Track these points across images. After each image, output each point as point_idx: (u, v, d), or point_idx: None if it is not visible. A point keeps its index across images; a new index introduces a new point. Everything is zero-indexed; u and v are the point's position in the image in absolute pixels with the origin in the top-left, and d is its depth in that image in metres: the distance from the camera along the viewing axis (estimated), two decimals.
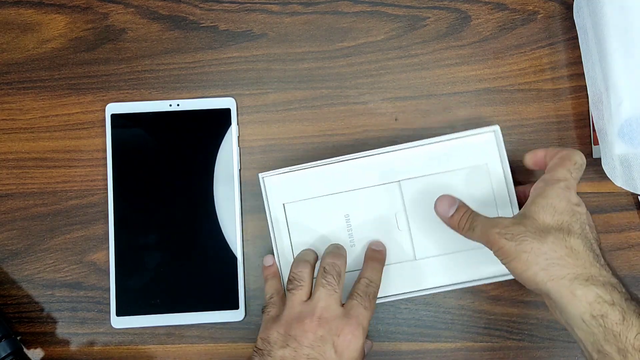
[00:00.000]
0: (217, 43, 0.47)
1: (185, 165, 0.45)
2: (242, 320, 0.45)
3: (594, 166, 0.46)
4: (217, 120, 0.46)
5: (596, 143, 0.45)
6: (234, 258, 0.45)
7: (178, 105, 0.46)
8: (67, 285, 0.46)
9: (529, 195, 0.38)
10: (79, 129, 0.47)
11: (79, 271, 0.46)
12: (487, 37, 0.47)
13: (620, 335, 0.32)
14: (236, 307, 0.45)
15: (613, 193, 0.45)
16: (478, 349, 0.45)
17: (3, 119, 0.47)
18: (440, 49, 0.47)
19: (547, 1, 0.47)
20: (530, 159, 0.42)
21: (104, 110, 0.47)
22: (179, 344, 0.46)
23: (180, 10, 0.48)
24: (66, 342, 0.46)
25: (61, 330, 0.46)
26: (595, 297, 0.33)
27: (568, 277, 0.34)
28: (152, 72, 0.47)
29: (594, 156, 0.45)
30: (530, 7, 0.47)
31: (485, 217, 0.38)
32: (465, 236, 0.39)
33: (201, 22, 0.48)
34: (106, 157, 0.46)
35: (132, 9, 0.48)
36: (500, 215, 0.43)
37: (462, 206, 0.40)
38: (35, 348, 0.46)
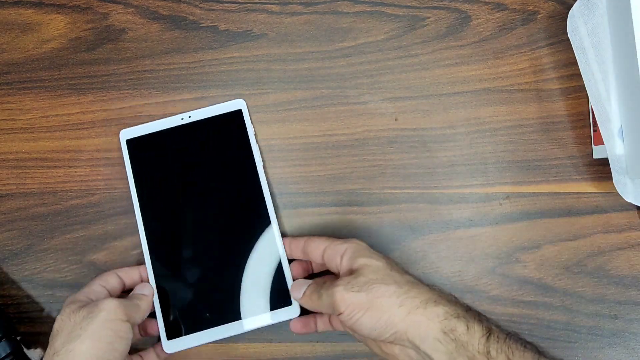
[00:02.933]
0: (217, 43, 0.47)
1: (212, 173, 0.45)
2: (299, 316, 0.43)
3: (594, 166, 0.46)
4: (231, 123, 0.45)
5: (596, 143, 0.45)
6: (277, 254, 0.44)
7: (190, 117, 0.46)
8: (67, 285, 0.46)
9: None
10: (79, 129, 0.47)
11: (79, 271, 0.46)
12: (487, 37, 0.47)
13: (467, 344, 0.34)
14: (289, 303, 0.43)
15: (613, 193, 0.45)
16: None
17: (3, 119, 0.47)
18: (440, 49, 0.47)
19: (547, 1, 0.47)
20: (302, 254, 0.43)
21: (103, 110, 0.47)
22: None
23: (180, 10, 0.48)
24: None
25: None
26: (444, 313, 0.35)
27: (421, 304, 0.35)
28: (152, 72, 0.47)
29: (595, 157, 0.45)
30: (530, 7, 0.47)
31: (328, 282, 0.39)
32: (321, 310, 0.39)
33: (201, 22, 0.48)
34: (128, 184, 0.45)
35: (132, 9, 0.48)
36: None
37: (311, 284, 0.40)
38: (35, 348, 0.46)
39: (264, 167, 0.45)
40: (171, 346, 0.42)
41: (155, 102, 0.47)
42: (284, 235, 0.45)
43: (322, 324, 0.43)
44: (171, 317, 0.43)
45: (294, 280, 0.43)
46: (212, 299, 0.43)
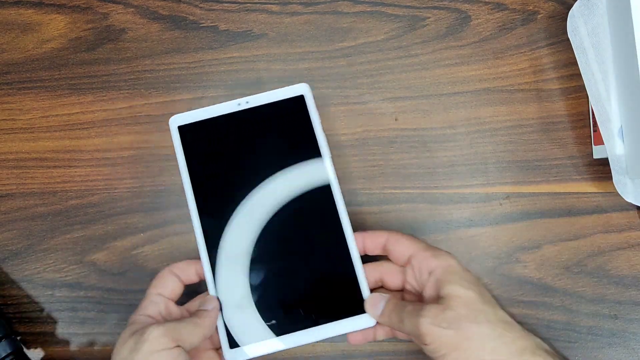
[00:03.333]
0: (217, 43, 0.47)
1: (272, 164, 0.40)
2: (374, 326, 0.38)
3: (594, 166, 0.46)
4: (292, 110, 0.41)
5: (596, 143, 0.45)
6: (349, 254, 0.39)
7: (247, 102, 0.41)
8: (67, 285, 0.46)
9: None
10: (79, 129, 0.47)
11: (79, 271, 0.46)
12: (487, 37, 0.47)
13: None
14: (363, 311, 0.38)
15: (613, 193, 0.45)
16: None
17: (3, 119, 0.47)
18: (440, 49, 0.47)
19: (547, 1, 0.47)
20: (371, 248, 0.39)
21: (103, 110, 0.47)
22: None
23: (180, 10, 0.48)
24: (66, 342, 0.46)
25: (61, 330, 0.46)
26: None
27: (516, 352, 0.32)
28: (152, 72, 0.47)
29: (595, 157, 0.45)
30: (530, 7, 0.47)
31: (410, 305, 0.35)
32: (400, 331, 0.36)
33: (201, 22, 0.48)
34: (181, 177, 0.41)
35: (132, 9, 0.48)
36: None
37: (390, 300, 0.37)
38: (35, 348, 0.46)
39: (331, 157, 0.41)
40: (233, 355, 0.38)
41: (155, 102, 0.47)
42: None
43: (382, 333, 0.39)
44: (233, 324, 0.38)
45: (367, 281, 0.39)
46: (277, 304, 0.39)
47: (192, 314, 0.38)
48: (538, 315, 0.45)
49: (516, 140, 0.46)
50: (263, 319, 0.38)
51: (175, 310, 0.38)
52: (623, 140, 0.43)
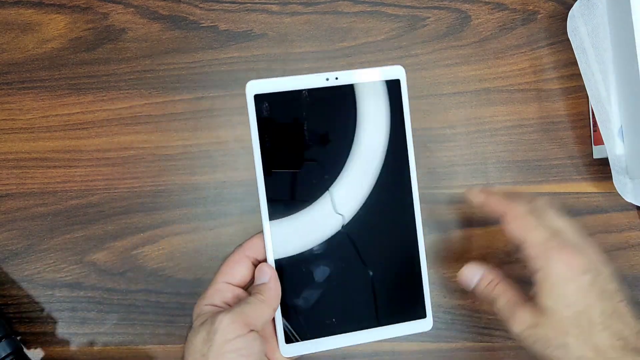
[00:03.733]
0: (217, 43, 0.47)
1: (355, 153, 0.37)
2: (429, 330, 0.37)
3: (594, 166, 0.46)
4: (384, 94, 0.37)
5: (596, 143, 0.45)
6: (417, 256, 0.37)
7: (336, 78, 0.36)
8: (67, 285, 0.46)
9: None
10: (79, 129, 0.47)
11: (79, 271, 0.46)
12: (487, 37, 0.47)
13: None
14: (423, 315, 0.37)
15: (613, 193, 0.45)
16: (478, 349, 0.45)
17: (3, 119, 0.47)
18: (440, 49, 0.47)
19: (547, 1, 0.47)
20: (479, 201, 0.38)
21: (103, 110, 0.47)
22: (179, 344, 0.46)
23: (180, 10, 0.48)
24: (66, 342, 0.46)
25: (61, 330, 0.46)
26: None
27: (619, 349, 0.32)
28: (152, 72, 0.47)
29: (595, 156, 0.45)
30: (531, 7, 0.47)
31: (508, 301, 0.35)
32: (491, 306, 0.37)
33: (201, 22, 0.48)
34: (252, 149, 0.36)
35: (132, 9, 0.48)
36: None
37: (486, 275, 0.37)
38: (35, 348, 0.46)
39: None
40: (289, 350, 0.36)
41: (155, 102, 0.47)
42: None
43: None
44: (291, 318, 0.36)
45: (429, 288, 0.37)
46: (340, 301, 0.37)
47: (253, 292, 0.35)
48: None
49: (516, 140, 0.46)
50: (322, 317, 0.37)
51: (243, 297, 0.36)
52: (623, 140, 0.43)
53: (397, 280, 0.37)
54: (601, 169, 0.46)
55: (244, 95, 0.47)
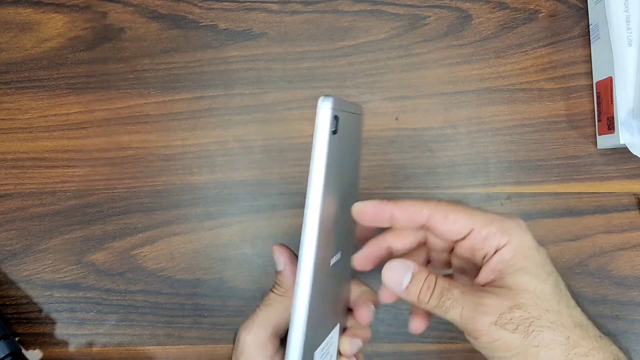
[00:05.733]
0: (216, 42, 0.47)
1: None
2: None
3: (596, 166, 0.46)
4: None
5: (600, 133, 0.45)
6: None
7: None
8: (66, 285, 0.46)
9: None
10: (78, 128, 0.47)
11: (77, 272, 0.46)
12: (488, 36, 0.47)
13: None
14: None
15: (614, 193, 0.45)
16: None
17: (1, 119, 0.47)
18: (441, 48, 0.47)
19: (549, 0, 0.47)
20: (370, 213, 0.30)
21: (102, 110, 0.46)
22: (178, 345, 0.45)
23: (179, 9, 0.47)
24: (65, 343, 0.46)
25: (60, 331, 0.46)
26: None
27: None
28: (151, 72, 0.47)
29: (599, 147, 0.45)
30: (532, 6, 0.47)
31: (463, 292, 0.28)
32: (432, 312, 0.29)
33: (200, 21, 0.47)
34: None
35: (131, 8, 0.47)
36: None
37: (418, 273, 0.29)
38: (34, 349, 0.45)
39: None
40: None
41: (154, 101, 0.47)
42: None
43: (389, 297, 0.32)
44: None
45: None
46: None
47: (274, 285, 0.33)
48: None
49: (517, 139, 0.46)
50: None
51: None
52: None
53: None
54: (603, 169, 0.45)
55: (244, 94, 0.47)
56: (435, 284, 0.28)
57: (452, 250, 0.32)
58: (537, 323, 0.27)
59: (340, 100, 0.29)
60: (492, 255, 0.29)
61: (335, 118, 0.29)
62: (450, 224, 0.29)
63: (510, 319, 0.27)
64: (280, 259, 0.33)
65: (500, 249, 0.29)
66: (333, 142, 0.28)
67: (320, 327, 0.30)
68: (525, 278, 0.28)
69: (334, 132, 0.28)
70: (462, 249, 0.30)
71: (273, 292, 0.33)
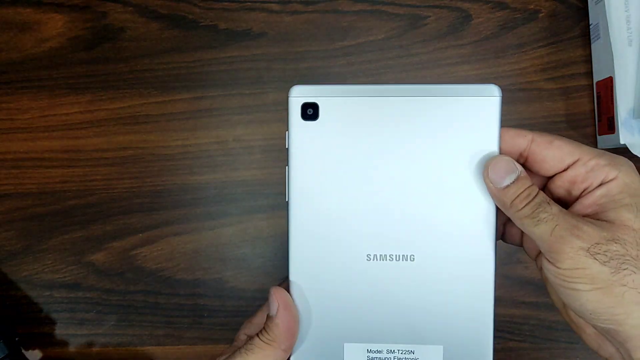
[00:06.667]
0: (216, 42, 0.47)
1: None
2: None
3: None
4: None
5: (601, 133, 0.45)
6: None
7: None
8: (66, 286, 0.46)
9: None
10: (78, 128, 0.47)
11: (77, 272, 0.46)
12: (488, 36, 0.47)
13: None
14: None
15: None
16: None
17: (1, 119, 0.47)
18: (440, 48, 0.47)
19: (548, 0, 0.47)
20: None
21: (102, 110, 0.46)
22: (178, 345, 0.45)
23: (179, 9, 0.47)
24: (65, 343, 0.46)
25: (60, 331, 0.46)
26: None
27: None
28: (151, 72, 0.47)
29: (599, 146, 0.45)
30: (532, 6, 0.47)
31: (562, 211, 0.26)
32: (519, 224, 0.27)
33: (200, 21, 0.47)
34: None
35: (131, 8, 0.47)
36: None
37: (523, 178, 0.27)
38: (34, 349, 0.45)
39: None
40: None
41: (154, 101, 0.47)
42: None
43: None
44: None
45: None
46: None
47: (263, 329, 0.29)
48: (539, 316, 0.45)
49: None
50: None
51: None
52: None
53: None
54: None
55: (244, 94, 0.47)
56: (536, 195, 0.27)
57: (543, 188, 0.29)
58: (631, 262, 0.25)
59: (321, 87, 0.31)
60: (595, 188, 0.27)
61: (313, 106, 0.30)
62: (555, 149, 0.28)
63: (605, 251, 0.25)
64: (275, 304, 0.29)
65: (606, 182, 0.27)
66: (308, 128, 0.30)
67: None
68: (630, 215, 0.25)
69: (309, 119, 0.30)
70: (559, 182, 0.28)
71: (259, 337, 0.29)
